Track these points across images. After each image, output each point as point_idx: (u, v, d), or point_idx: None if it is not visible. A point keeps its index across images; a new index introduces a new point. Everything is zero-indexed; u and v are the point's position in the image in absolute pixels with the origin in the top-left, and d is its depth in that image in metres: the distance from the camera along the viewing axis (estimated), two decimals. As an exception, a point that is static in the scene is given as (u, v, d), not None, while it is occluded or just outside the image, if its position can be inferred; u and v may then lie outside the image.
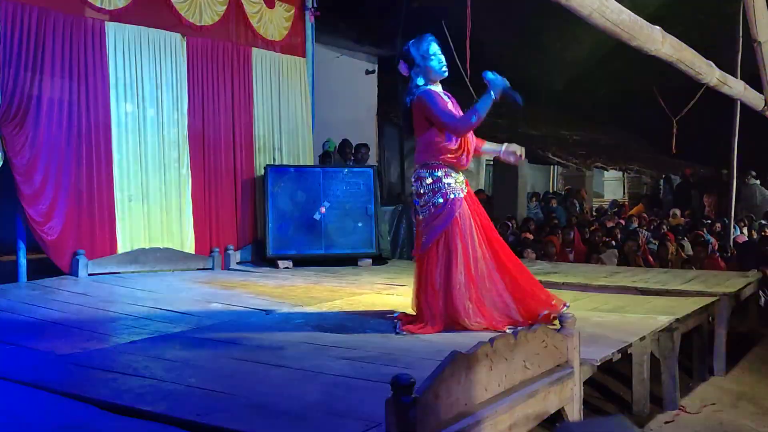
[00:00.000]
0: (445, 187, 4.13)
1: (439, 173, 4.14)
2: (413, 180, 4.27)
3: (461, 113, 4.22)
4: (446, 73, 4.24)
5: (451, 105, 4.23)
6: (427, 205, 4.17)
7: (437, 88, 4.24)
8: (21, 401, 2.87)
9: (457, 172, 4.20)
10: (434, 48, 4.20)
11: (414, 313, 4.28)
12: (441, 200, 4.13)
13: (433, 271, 4.10)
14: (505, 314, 4.08)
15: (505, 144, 4.41)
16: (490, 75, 4.11)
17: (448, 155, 4.15)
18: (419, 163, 4.24)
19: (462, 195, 4.15)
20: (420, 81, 4.18)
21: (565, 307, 4.03)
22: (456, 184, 4.16)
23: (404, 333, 4.03)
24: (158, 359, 3.51)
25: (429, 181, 4.16)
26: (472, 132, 4.26)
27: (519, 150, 4.39)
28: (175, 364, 3.42)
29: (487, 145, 4.46)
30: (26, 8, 5.72)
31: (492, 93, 4.09)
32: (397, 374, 2.19)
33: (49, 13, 5.89)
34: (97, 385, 3.06)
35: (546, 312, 4.00)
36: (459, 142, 4.17)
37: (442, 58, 4.22)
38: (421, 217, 4.24)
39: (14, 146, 5.71)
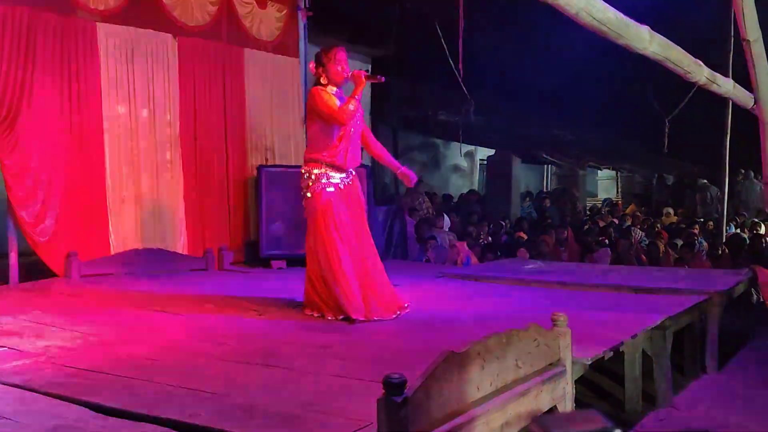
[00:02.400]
0: (316, 183, 4.52)
1: (316, 171, 4.54)
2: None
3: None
4: (345, 81, 4.61)
5: (338, 102, 4.54)
6: (304, 198, 4.58)
7: (333, 90, 4.59)
8: (13, 403, 2.86)
9: (337, 170, 4.56)
10: (340, 55, 4.58)
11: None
12: (310, 195, 4.54)
13: (311, 260, 4.56)
14: (365, 307, 4.42)
15: (404, 167, 4.98)
16: (354, 71, 4.61)
17: (326, 154, 4.54)
18: (306, 158, 4.65)
19: (331, 190, 4.52)
20: (323, 80, 4.57)
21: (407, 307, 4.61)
22: (330, 180, 4.53)
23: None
24: (150, 360, 3.50)
25: (306, 176, 4.57)
26: (364, 136, 4.76)
27: (412, 178, 4.96)
28: (167, 365, 3.41)
29: (389, 158, 5.04)
30: (17, 9, 5.69)
31: (362, 79, 4.54)
32: (388, 373, 2.19)
33: (40, 15, 5.86)
34: (89, 386, 3.04)
35: (397, 313, 4.52)
36: (339, 142, 4.55)
37: (346, 66, 4.60)
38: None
39: (5, 148, 5.68)
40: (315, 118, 4.58)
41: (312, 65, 4.66)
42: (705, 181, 14.00)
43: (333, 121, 4.51)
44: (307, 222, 4.62)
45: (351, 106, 4.48)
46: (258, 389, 2.99)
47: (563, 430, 1.79)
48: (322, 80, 4.58)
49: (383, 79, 4.63)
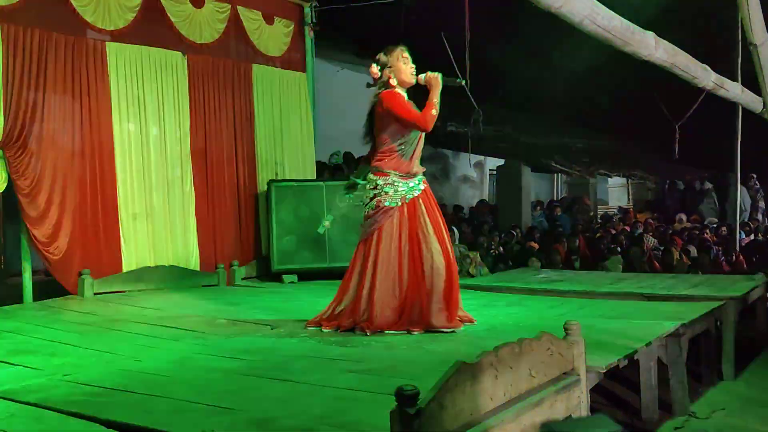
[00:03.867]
0: (382, 195, 4.40)
1: (381, 181, 4.42)
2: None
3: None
4: (414, 79, 4.44)
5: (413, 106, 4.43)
6: (367, 207, 4.47)
7: (403, 92, 4.46)
8: (29, 422, 2.87)
9: (407, 177, 4.41)
10: (407, 54, 4.45)
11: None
12: (375, 207, 4.42)
13: (354, 267, 4.45)
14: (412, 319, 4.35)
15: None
16: (429, 73, 4.41)
17: (394, 162, 4.41)
18: (372, 167, 4.52)
19: (397, 204, 4.38)
20: (393, 82, 4.41)
21: (464, 325, 4.39)
22: (396, 192, 4.39)
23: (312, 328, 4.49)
24: (164, 376, 3.51)
25: (371, 186, 4.46)
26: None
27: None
28: (180, 381, 3.42)
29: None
30: (27, 30, 5.76)
31: (441, 82, 4.35)
32: (400, 385, 2.19)
33: (51, 35, 5.94)
34: (104, 404, 3.05)
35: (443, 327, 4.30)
36: (411, 147, 4.41)
37: (413, 65, 4.44)
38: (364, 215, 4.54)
39: (18, 168, 5.74)
40: (391, 122, 4.37)
41: (374, 69, 4.44)
42: (711, 185, 14.00)
43: (414, 128, 4.34)
44: (363, 228, 4.48)
45: (434, 111, 4.28)
46: (272, 403, 2.99)
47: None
48: (392, 82, 4.39)
49: (463, 82, 4.46)
